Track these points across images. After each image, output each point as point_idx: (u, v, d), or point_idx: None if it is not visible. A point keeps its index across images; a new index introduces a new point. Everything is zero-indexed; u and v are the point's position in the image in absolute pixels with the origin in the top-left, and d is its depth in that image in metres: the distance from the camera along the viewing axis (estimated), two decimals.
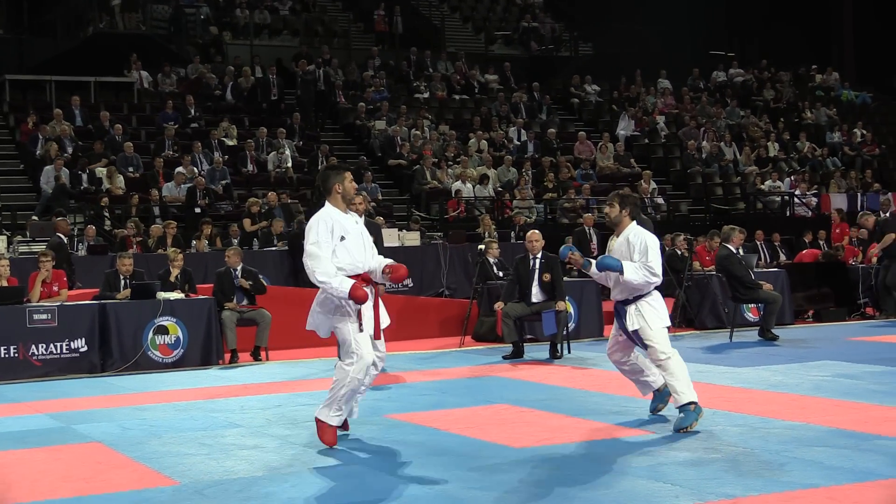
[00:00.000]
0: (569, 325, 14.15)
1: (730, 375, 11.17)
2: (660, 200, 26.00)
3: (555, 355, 13.17)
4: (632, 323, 8.37)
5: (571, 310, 14.97)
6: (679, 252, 17.38)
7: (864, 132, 31.87)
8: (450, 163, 25.23)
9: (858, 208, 26.21)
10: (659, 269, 8.34)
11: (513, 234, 21.56)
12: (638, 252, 8.36)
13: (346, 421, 8.06)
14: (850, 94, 35.61)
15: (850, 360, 11.94)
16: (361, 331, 7.66)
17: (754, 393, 9.93)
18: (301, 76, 27.33)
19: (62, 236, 17.21)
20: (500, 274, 15.36)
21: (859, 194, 27.40)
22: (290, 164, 23.79)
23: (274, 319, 13.84)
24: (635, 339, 8.47)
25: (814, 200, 26.83)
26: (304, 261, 7.69)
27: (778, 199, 27.25)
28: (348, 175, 7.90)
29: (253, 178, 23.53)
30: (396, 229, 19.56)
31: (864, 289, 17.46)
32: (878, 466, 6.68)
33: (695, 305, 16.39)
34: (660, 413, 8.65)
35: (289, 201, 21.07)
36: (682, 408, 8.08)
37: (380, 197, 23.50)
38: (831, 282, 17.43)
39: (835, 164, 30.05)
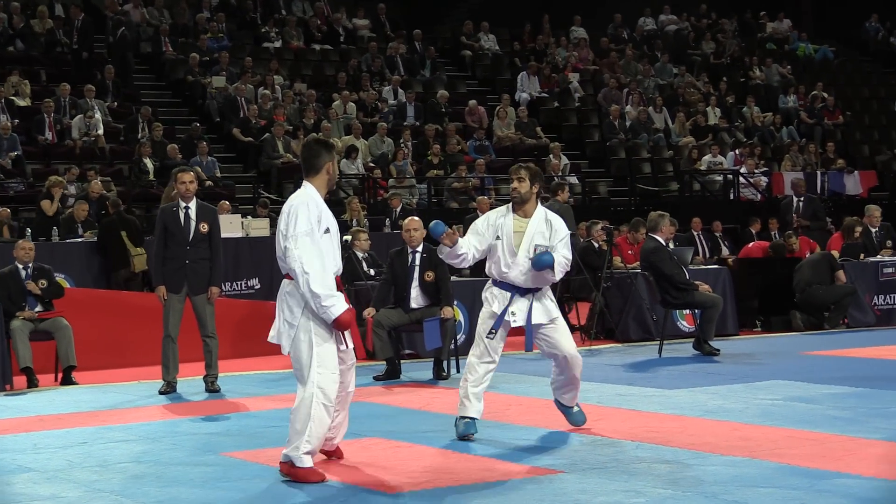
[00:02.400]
0: (457, 336, 14.21)
1: (658, 399, 11.33)
2: (573, 179, 26.29)
3: (440, 375, 13.21)
4: (553, 311, 9.34)
5: (461, 317, 15.04)
6: (596, 245, 17.59)
7: (825, 95, 32.69)
8: (308, 131, 25.12)
9: (818, 190, 26.93)
10: (570, 258, 9.37)
11: (388, 221, 21.57)
12: (558, 237, 9.16)
13: (338, 448, 8.42)
14: (807, 47, 36.49)
15: (805, 379, 12.22)
16: (345, 346, 7.99)
17: (688, 421, 10.09)
18: (113, 18, 26.95)
19: None
20: (372, 272, 15.35)
21: (819, 173, 28.08)
22: (100, 132, 23.45)
23: (80, 332, 13.63)
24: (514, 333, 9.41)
25: (764, 180, 27.43)
26: (287, 252, 7.83)
27: (720, 178, 27.78)
28: (335, 156, 8.15)
29: (52, 148, 23.13)
30: (239, 215, 19.41)
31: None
32: None
33: (616, 312, 16.61)
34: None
35: (98, 179, 20.75)
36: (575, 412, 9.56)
37: (218, 174, 23.33)
38: (783, 281, 17.82)
39: (790, 134, 30.77)
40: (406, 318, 13.52)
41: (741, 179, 27.08)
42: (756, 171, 27.46)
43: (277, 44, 29.23)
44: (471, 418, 9.25)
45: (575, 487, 7.59)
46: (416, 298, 13.52)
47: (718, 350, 14.76)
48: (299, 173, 24.86)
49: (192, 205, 12.58)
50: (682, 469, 8.06)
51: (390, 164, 24.80)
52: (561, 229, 9.27)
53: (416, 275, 13.51)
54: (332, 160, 8.07)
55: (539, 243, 9.19)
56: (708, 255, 21.05)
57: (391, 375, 13.29)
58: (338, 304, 7.75)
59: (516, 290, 9.25)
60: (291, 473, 7.91)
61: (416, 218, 14.11)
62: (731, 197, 26.92)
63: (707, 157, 27.97)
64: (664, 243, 15.32)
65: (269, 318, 15.87)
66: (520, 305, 9.24)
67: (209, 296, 12.55)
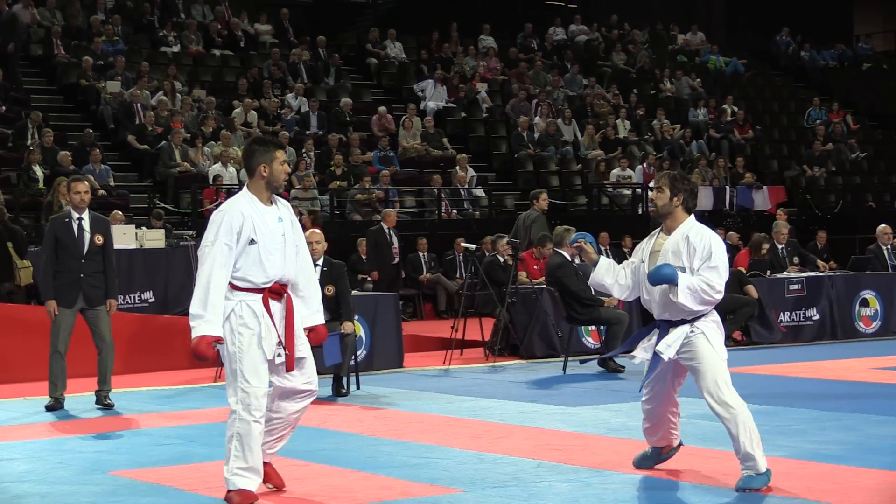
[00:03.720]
0: (358, 352, 14.24)
1: (561, 417, 11.45)
2: (479, 192, 26.43)
3: (339, 392, 13.24)
4: (684, 348, 8.10)
5: (362, 333, 15.07)
6: (501, 259, 17.70)
7: (735, 109, 33.17)
8: (207, 140, 25.01)
9: (726, 205, 27.31)
10: (721, 286, 8.02)
11: None
12: (700, 258, 8.01)
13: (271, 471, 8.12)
14: (718, 60, 37.00)
15: None
16: (277, 358, 7.73)
17: (591, 439, 10.22)
18: (1, 18, 26.63)
19: None
20: None
21: (728, 188, 28.47)
22: None
23: None
24: (675, 372, 8.37)
25: None
26: None
27: (628, 192, 28.06)
28: (280, 155, 7.91)
29: None
30: (133, 226, 19.27)
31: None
32: None
33: (520, 328, 16.73)
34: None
35: None
36: (745, 475, 7.99)
37: (112, 182, 23.13)
38: None
39: (699, 148, 31.17)
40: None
41: (650, 193, 27.33)
42: None
43: (176, 48, 29.05)
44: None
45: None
46: None
47: (623, 367, 14.93)
48: (197, 183, 24.82)
49: (86, 216, 12.44)
50: (583, 487, 8.16)
51: (292, 174, 24.74)
52: (705, 248, 8.01)
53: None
54: (272, 160, 7.82)
55: (673, 264, 8.03)
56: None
57: None
58: (197, 328, 7.50)
59: (659, 324, 8.24)
60: (226, 497, 7.77)
61: (318, 230, 14.11)
62: (640, 211, 27.19)
63: (616, 171, 28.23)
64: (570, 259, 15.47)
65: (162, 333, 15.97)
66: (667, 340, 8.13)
67: (108, 308, 12.44)
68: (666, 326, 8.14)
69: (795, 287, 18.24)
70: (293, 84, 28.45)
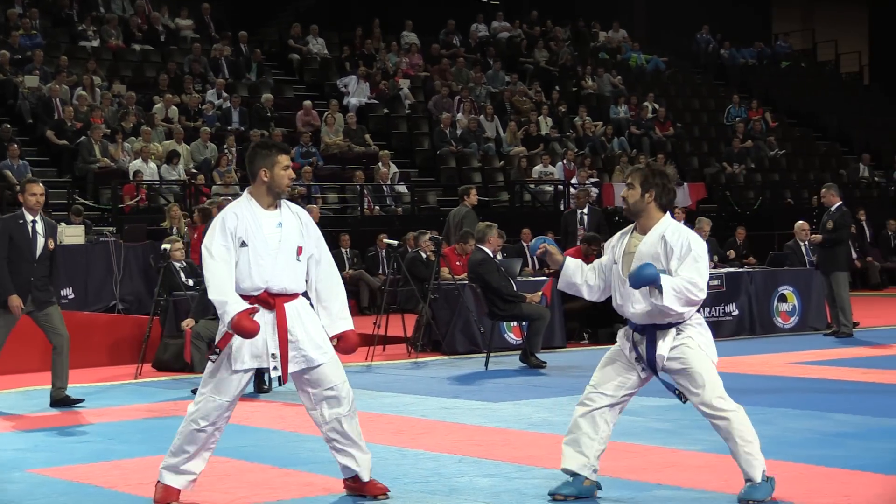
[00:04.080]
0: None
1: (483, 412, 11.51)
2: (402, 188, 26.45)
3: (261, 388, 13.20)
4: (664, 353, 7.52)
5: None
6: (424, 255, 17.74)
7: (656, 106, 33.44)
8: (127, 135, 24.83)
9: None
10: (704, 285, 7.48)
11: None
12: (677, 259, 7.46)
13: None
14: (639, 57, 37.26)
15: None
16: (234, 369, 7.53)
17: (512, 434, 10.28)
18: None
19: None
20: (191, 283, 15.26)
21: None
22: None
23: None
24: (668, 380, 7.70)
25: (594, 191, 27.89)
26: None
27: (550, 188, 28.20)
28: (282, 159, 7.70)
29: None
30: (53, 222, 19.09)
31: None
32: None
33: (443, 324, 16.77)
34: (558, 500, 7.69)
35: None
36: (748, 486, 7.49)
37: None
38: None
39: (621, 145, 31.38)
40: None
41: (572, 190, 27.50)
42: (587, 181, 27.89)
43: (95, 43, 28.79)
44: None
45: (396, 503, 7.67)
46: None
47: (545, 362, 15.01)
48: (117, 179, 24.63)
49: (39, 219, 12.25)
50: (504, 482, 8.21)
51: (214, 171, 24.63)
52: (682, 246, 7.46)
53: None
54: (273, 164, 7.61)
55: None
56: (537, 267, 21.33)
57: None
58: (229, 310, 7.37)
59: (636, 328, 7.65)
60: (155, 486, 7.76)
61: None
62: (562, 208, 27.30)
63: (538, 167, 28.36)
64: (492, 255, 15.53)
65: (83, 329, 15.83)
66: (640, 347, 7.62)
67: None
68: (653, 331, 7.55)
69: (714, 283, 18.40)
70: (214, 79, 28.30)
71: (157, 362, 15.21)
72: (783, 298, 19.22)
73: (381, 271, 22.82)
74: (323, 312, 7.78)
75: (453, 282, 16.83)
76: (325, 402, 7.70)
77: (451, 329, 16.68)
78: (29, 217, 12.14)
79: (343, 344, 7.82)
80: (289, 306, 7.61)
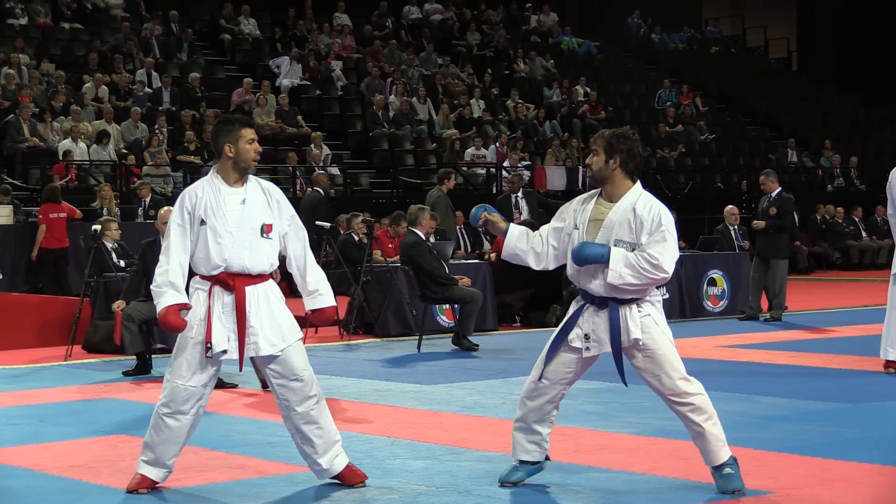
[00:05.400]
0: None
1: (415, 395, 11.54)
2: (334, 170, 26.39)
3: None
4: (634, 330, 7.20)
5: None
6: (356, 237, 17.74)
7: (588, 90, 33.57)
8: (56, 115, 24.60)
9: (579, 185, 27.64)
10: (670, 263, 7.12)
11: (140, 210, 21.30)
12: (647, 233, 7.12)
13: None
14: (571, 41, 37.38)
15: None
16: (209, 353, 7.32)
17: (444, 417, 10.31)
18: None
19: None
20: (122, 264, 15.17)
21: (581, 168, 28.78)
22: None
23: None
24: (618, 360, 7.32)
25: (526, 174, 27.99)
26: None
27: (483, 171, 28.27)
28: (246, 133, 7.47)
29: None
30: None
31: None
32: None
33: (375, 306, 16.79)
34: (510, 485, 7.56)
35: None
36: (724, 466, 7.27)
37: None
38: (534, 275, 18.20)
39: (553, 129, 31.49)
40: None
41: (504, 173, 27.58)
42: (519, 164, 28.01)
43: (23, 20, 28.47)
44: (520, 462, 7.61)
45: (329, 485, 7.68)
46: None
47: (477, 345, 15.06)
48: (46, 158, 24.42)
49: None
50: (437, 465, 8.24)
51: (144, 151, 24.47)
52: (653, 220, 7.13)
53: None
54: (237, 139, 7.41)
55: (621, 238, 7.16)
56: (469, 250, 21.40)
57: (141, 371, 13.17)
58: (161, 301, 7.28)
59: (593, 300, 7.31)
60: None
61: (171, 208, 13.94)
62: (494, 191, 27.38)
63: (470, 150, 28.42)
64: (424, 237, 15.55)
65: (11, 311, 15.71)
66: (597, 322, 7.29)
67: None
68: (615, 306, 7.21)
69: None
70: (144, 59, 28.08)
71: (88, 344, 15.11)
72: (713, 282, 19.39)
73: None
74: (301, 290, 7.67)
75: (386, 264, 16.85)
76: (290, 391, 7.52)
77: (383, 312, 16.70)
78: None
79: (317, 316, 7.76)
80: (250, 290, 7.42)
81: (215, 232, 7.38)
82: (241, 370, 7.62)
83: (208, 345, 7.33)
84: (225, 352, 7.39)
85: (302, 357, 7.58)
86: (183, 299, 7.33)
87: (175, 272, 7.35)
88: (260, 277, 7.48)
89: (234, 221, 7.40)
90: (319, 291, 7.66)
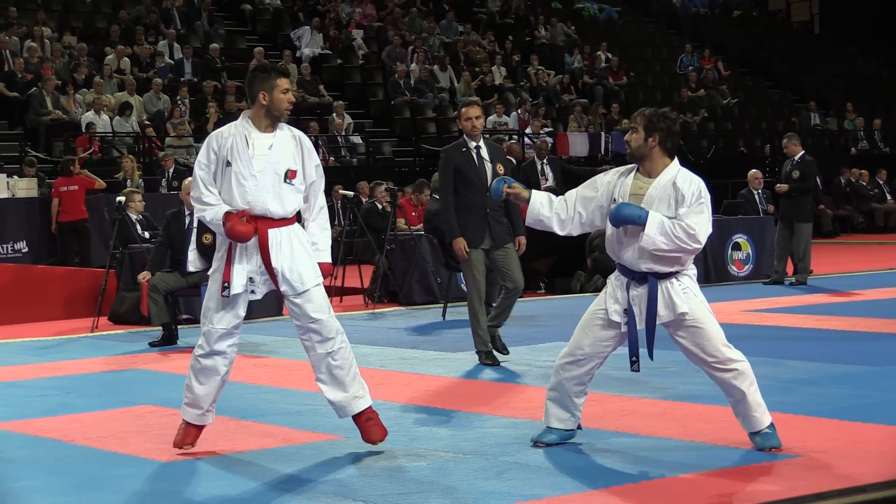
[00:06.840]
0: None
1: (440, 363, 11.54)
2: (356, 139, 26.39)
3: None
4: (680, 304, 7.30)
5: None
6: (380, 206, 17.73)
7: (610, 56, 33.44)
8: (79, 87, 24.62)
9: (602, 151, 27.58)
10: (703, 235, 7.28)
11: (164, 182, 21.33)
12: (687, 205, 7.24)
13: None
14: (592, 7, 37.24)
15: None
16: (225, 293, 7.47)
17: (469, 384, 10.32)
18: None
19: None
20: (147, 235, 15.20)
21: (603, 134, 28.74)
22: None
23: None
24: (650, 334, 7.46)
25: (549, 141, 27.93)
26: None
27: (505, 138, 28.20)
28: (282, 82, 7.57)
29: None
30: (5, 175, 18.97)
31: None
32: (613, 470, 7.11)
33: (399, 274, 16.78)
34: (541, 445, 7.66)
35: None
36: (763, 433, 7.40)
37: None
38: (560, 242, 18.18)
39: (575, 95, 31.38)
40: (183, 281, 13.43)
41: (526, 140, 27.53)
42: (541, 131, 27.96)
43: None
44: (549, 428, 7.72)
45: (356, 452, 7.69)
46: (193, 262, 13.38)
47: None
48: (70, 130, 24.46)
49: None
50: (464, 431, 8.24)
51: (167, 122, 24.49)
52: (692, 194, 7.26)
53: (193, 237, 13.41)
54: (272, 88, 7.49)
55: (664, 213, 7.25)
56: None
57: (167, 341, 13.20)
58: (217, 214, 7.44)
59: (633, 276, 7.39)
60: None
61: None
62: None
63: (492, 117, 28.37)
64: None
65: (37, 283, 15.77)
66: (636, 297, 7.39)
67: None
68: (654, 281, 7.32)
69: None
70: (166, 30, 28.07)
71: (114, 315, 15.16)
72: (737, 247, 19.32)
73: (336, 222, 22.75)
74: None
75: (410, 232, 16.84)
76: (311, 334, 7.63)
77: (407, 280, 16.69)
78: None
79: None
80: (273, 232, 7.51)
81: (239, 175, 7.48)
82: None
83: (225, 283, 7.47)
84: (247, 292, 7.54)
85: (318, 302, 7.63)
86: (231, 208, 7.46)
87: (215, 198, 7.51)
88: (283, 221, 7.58)
89: (259, 165, 7.50)
90: (318, 246, 7.77)
